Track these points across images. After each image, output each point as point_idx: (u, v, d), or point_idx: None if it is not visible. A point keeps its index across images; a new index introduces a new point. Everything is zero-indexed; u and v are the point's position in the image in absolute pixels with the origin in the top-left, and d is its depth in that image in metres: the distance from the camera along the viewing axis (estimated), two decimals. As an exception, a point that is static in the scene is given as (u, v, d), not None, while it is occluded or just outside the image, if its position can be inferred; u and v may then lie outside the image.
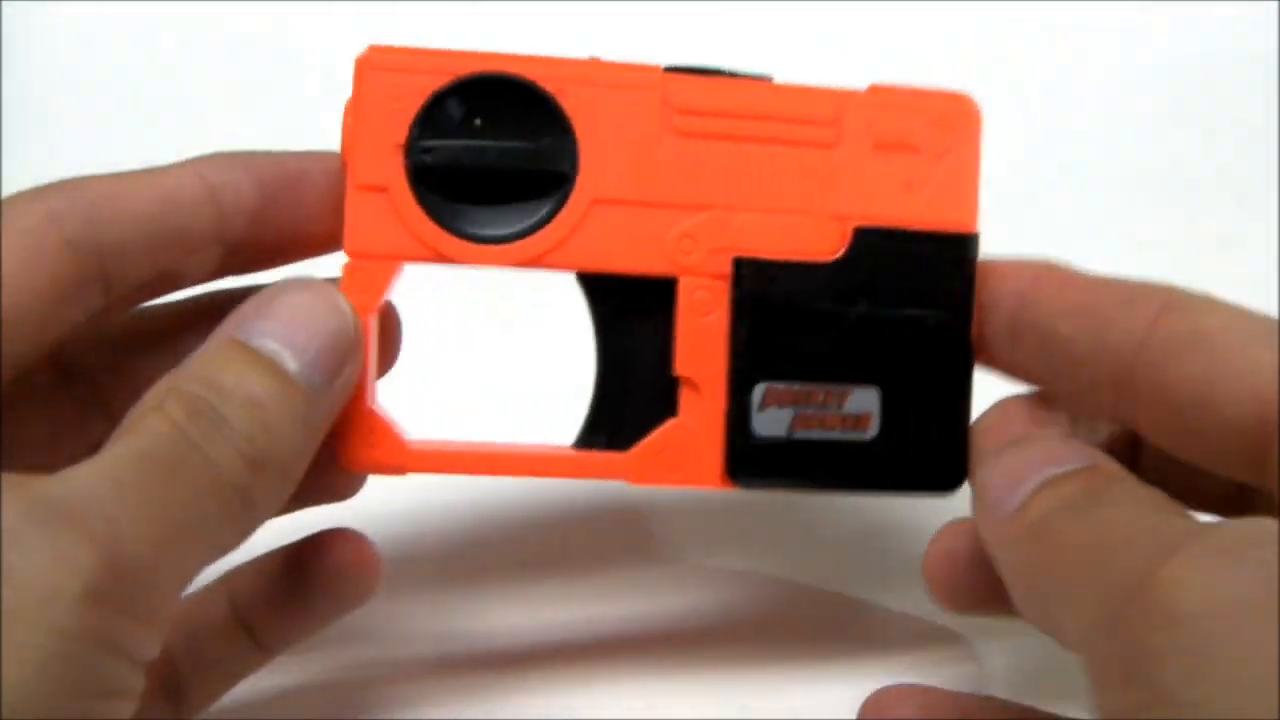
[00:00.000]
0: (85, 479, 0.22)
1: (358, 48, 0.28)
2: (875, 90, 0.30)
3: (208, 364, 0.25)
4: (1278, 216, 0.47)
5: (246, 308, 0.26)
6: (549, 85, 0.28)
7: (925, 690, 0.31)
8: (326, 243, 0.29)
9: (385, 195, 0.28)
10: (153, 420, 0.24)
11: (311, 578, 0.30)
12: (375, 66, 0.28)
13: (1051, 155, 0.48)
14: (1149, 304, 0.27)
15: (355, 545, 0.30)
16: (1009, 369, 0.30)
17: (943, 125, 0.30)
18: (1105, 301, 0.28)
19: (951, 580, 0.30)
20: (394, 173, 0.28)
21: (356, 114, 0.28)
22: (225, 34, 0.47)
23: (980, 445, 0.29)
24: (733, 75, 0.29)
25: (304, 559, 0.30)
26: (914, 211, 0.30)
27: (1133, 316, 0.27)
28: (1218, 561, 0.21)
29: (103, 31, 0.46)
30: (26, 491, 0.22)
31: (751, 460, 0.29)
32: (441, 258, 0.28)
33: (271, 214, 0.28)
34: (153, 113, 0.46)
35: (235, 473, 0.24)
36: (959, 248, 0.30)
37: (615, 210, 0.28)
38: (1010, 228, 0.46)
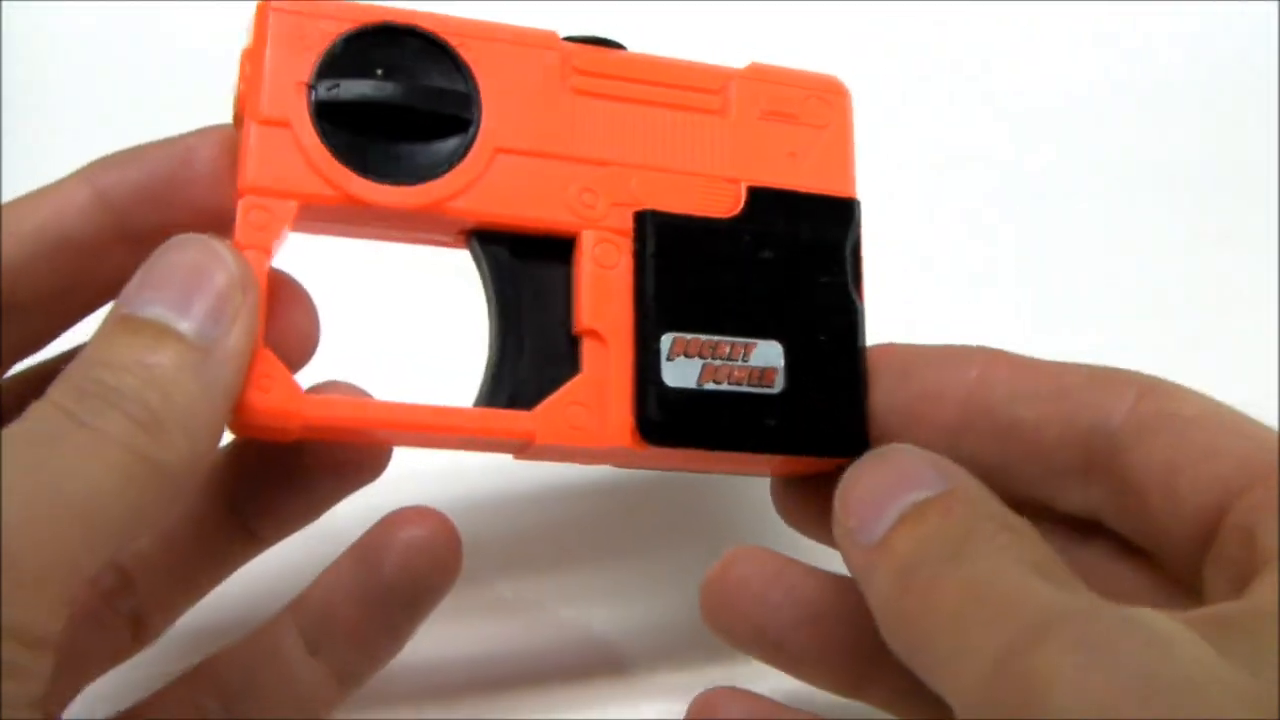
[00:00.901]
0: None
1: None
2: (755, 68, 0.31)
3: (97, 345, 0.24)
4: (1278, 216, 0.46)
5: (131, 282, 0.25)
6: (451, 39, 0.29)
7: (753, 696, 0.30)
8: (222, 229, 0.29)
9: (287, 131, 0.27)
10: (33, 408, 0.23)
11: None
12: (281, 8, 0.28)
13: (1051, 155, 0.48)
14: (1128, 388, 0.27)
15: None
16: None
17: (821, 100, 0.31)
18: (1076, 385, 0.28)
19: (738, 613, 0.29)
20: (297, 108, 0.27)
21: (259, 51, 0.28)
22: (225, 34, 0.48)
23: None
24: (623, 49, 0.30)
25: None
26: (800, 177, 0.31)
27: (1110, 400, 0.27)
28: (1089, 658, 0.20)
29: (102, 31, 0.47)
30: None
31: (662, 413, 0.28)
32: (343, 196, 0.28)
33: (167, 198, 0.28)
34: (153, 113, 0.46)
35: (128, 436, 0.23)
36: (844, 210, 0.31)
37: (518, 160, 0.29)
38: (1011, 228, 0.45)
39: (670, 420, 0.28)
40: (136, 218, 0.28)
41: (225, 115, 0.31)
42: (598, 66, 0.30)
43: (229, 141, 0.28)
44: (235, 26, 0.49)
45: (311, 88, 0.28)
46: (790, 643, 0.29)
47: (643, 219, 0.29)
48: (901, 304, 0.41)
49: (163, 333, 0.24)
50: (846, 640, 0.28)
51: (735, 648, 0.30)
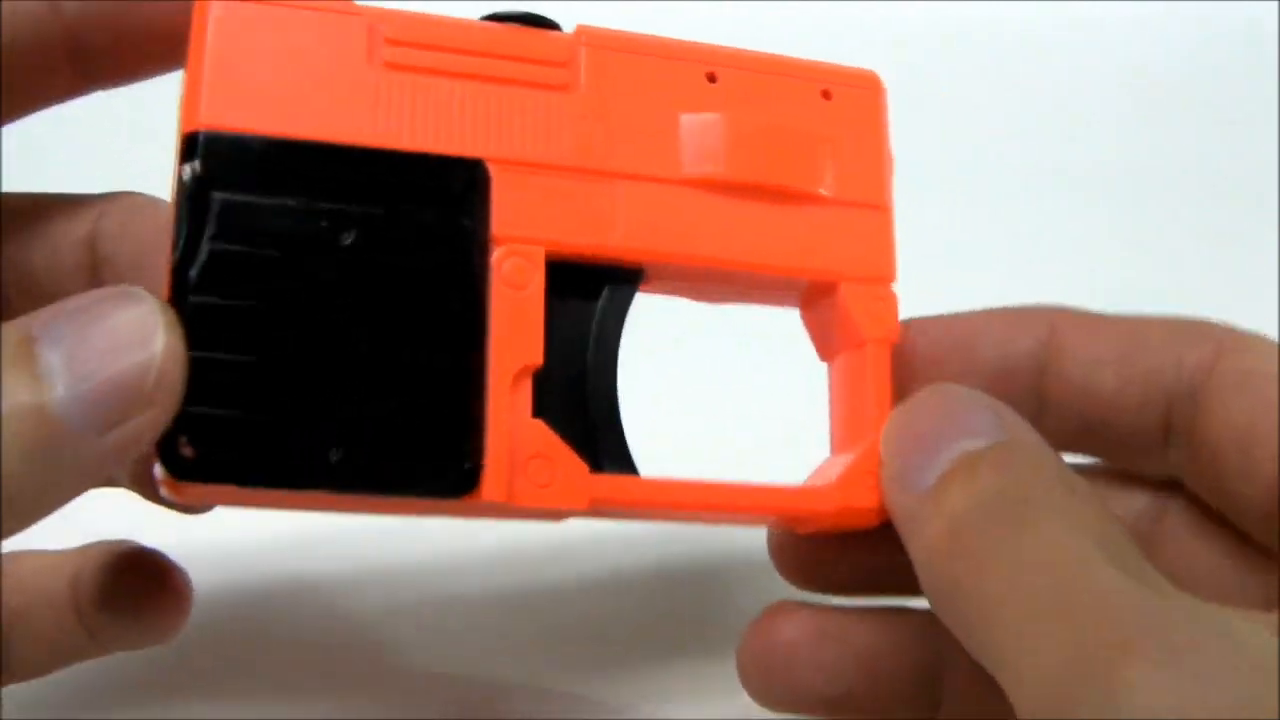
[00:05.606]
0: None
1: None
2: None
3: None
4: (1278, 216, 0.47)
5: (71, 301, 0.21)
6: None
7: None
8: (175, 50, 0.26)
9: None
10: None
11: (134, 594, 0.29)
12: None
13: (1052, 156, 0.48)
14: (1206, 342, 0.26)
15: (166, 576, 0.29)
16: None
17: None
18: (1154, 342, 0.27)
19: (790, 679, 0.27)
20: None
21: None
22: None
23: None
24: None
25: (135, 569, 0.29)
26: None
27: (1191, 356, 0.26)
28: (1181, 676, 0.19)
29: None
30: None
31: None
32: None
33: (118, 18, 0.27)
34: (151, 109, 0.46)
35: None
36: None
37: None
38: (1011, 229, 0.46)
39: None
40: (85, 29, 0.27)
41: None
42: None
43: None
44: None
45: None
46: (850, 696, 0.27)
47: None
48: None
49: (35, 387, 0.20)
50: (907, 678, 0.27)
51: (786, 713, 0.28)
